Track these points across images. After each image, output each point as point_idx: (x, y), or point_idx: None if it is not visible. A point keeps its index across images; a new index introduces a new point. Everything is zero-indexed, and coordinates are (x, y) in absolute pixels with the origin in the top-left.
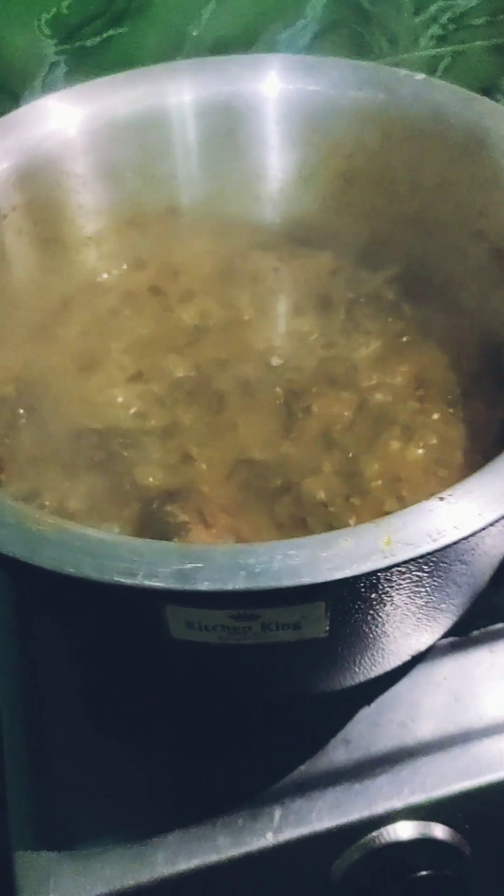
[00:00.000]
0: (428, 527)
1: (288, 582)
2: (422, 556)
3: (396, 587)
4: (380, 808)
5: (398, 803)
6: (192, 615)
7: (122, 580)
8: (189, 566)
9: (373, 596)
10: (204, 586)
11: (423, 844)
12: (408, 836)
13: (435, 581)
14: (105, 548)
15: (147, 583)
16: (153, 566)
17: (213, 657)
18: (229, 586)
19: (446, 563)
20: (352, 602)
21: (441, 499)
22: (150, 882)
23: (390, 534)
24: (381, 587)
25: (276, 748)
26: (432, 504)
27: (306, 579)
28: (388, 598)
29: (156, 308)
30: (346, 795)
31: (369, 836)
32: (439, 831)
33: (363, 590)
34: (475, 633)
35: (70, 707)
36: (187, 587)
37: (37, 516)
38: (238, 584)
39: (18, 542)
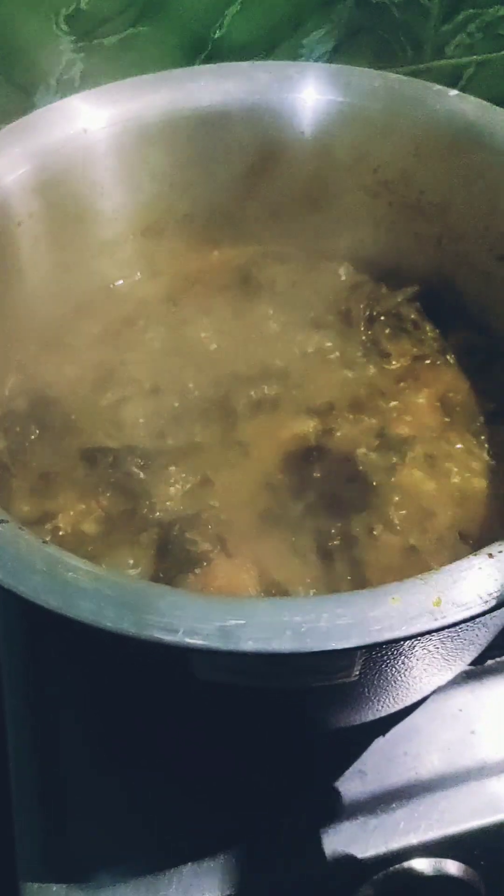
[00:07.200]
0: (478, 586)
1: (336, 644)
2: (473, 618)
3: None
4: (396, 844)
5: (414, 839)
6: (220, 660)
7: (163, 637)
8: (232, 623)
9: (406, 644)
10: (248, 646)
11: (439, 881)
12: (423, 872)
13: (468, 627)
14: (143, 600)
15: (188, 640)
16: (194, 622)
17: (236, 697)
18: (274, 647)
19: None
20: (385, 649)
21: (490, 555)
22: None
23: (439, 593)
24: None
25: (289, 781)
26: (481, 561)
27: (355, 641)
28: (421, 645)
29: (171, 319)
30: (362, 830)
31: (385, 872)
32: (454, 868)
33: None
34: (490, 662)
35: (81, 740)
36: (231, 647)
37: (70, 562)
38: (284, 644)
39: (52, 591)
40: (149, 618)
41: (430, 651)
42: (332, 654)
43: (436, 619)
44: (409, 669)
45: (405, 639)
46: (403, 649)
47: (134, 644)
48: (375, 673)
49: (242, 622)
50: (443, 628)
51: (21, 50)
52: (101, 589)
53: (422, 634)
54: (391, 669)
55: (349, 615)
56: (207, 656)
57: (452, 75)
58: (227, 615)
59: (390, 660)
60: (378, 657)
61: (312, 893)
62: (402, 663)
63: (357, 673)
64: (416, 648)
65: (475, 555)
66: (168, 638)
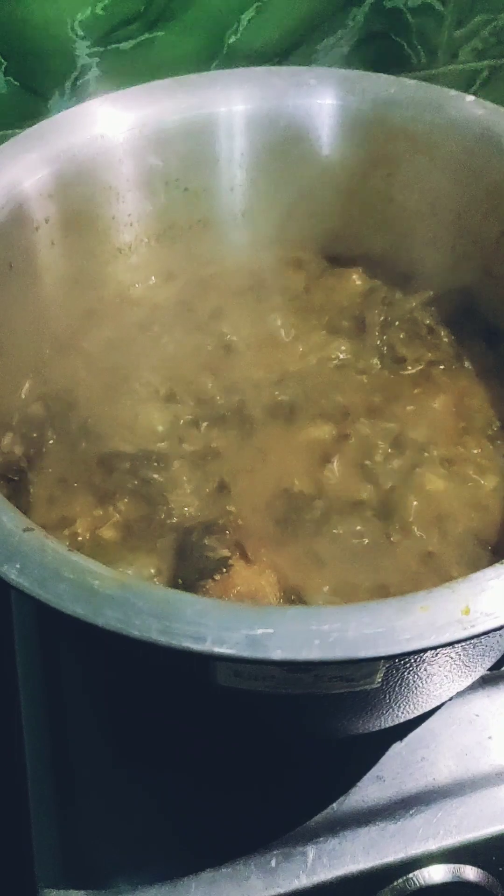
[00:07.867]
0: None
1: (365, 653)
2: (502, 627)
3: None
4: (414, 850)
5: (433, 846)
6: (244, 666)
7: (191, 646)
8: (259, 632)
9: (430, 651)
10: (276, 655)
11: (457, 887)
12: (441, 878)
13: (491, 634)
14: (170, 608)
15: (217, 649)
16: (222, 630)
17: (257, 702)
18: (303, 656)
19: None
20: (410, 657)
21: None
22: None
23: (468, 601)
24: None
25: (309, 785)
26: None
27: (384, 650)
28: (444, 652)
29: (185, 324)
30: (380, 836)
31: (403, 878)
32: (473, 874)
33: None
34: None
35: (97, 745)
36: (259, 656)
37: (96, 569)
38: (312, 654)
39: (79, 599)
40: (176, 626)
41: (452, 658)
42: (359, 663)
43: (465, 629)
44: (430, 676)
45: (434, 648)
46: (427, 657)
47: (159, 651)
48: (397, 680)
49: (270, 631)
50: (472, 637)
51: (36, 55)
52: (127, 597)
53: (451, 644)
54: (413, 676)
55: (377, 624)
56: (233, 664)
57: (465, 80)
58: (254, 624)
59: (413, 667)
60: (401, 664)
61: None
62: (424, 670)
63: (380, 680)
64: (440, 656)
65: (501, 563)
66: (196, 647)
